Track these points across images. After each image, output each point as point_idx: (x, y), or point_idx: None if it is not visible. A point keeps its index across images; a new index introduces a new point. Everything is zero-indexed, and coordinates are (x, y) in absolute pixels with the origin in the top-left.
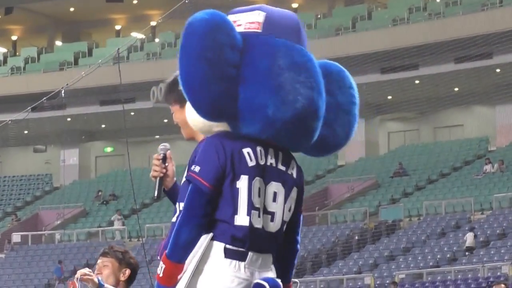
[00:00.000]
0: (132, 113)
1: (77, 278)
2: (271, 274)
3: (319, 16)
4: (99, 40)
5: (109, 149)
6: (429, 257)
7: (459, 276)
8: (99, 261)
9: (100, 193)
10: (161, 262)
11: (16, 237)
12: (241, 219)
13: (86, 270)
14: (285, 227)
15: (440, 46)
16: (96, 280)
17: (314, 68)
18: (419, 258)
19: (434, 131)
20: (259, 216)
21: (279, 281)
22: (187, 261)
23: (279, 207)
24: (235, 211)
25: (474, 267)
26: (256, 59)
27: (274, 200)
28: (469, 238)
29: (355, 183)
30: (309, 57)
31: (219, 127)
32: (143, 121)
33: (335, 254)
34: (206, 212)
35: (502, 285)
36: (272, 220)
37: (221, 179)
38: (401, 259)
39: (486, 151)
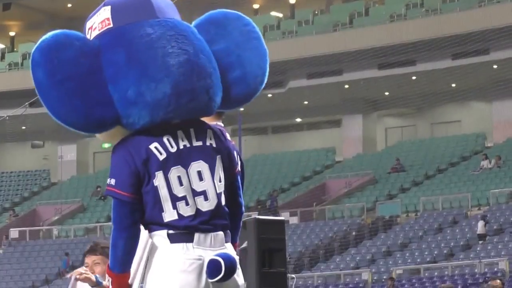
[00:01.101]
0: None
1: (75, 278)
2: (228, 251)
3: (316, 12)
4: None
5: (107, 145)
6: (426, 252)
7: (456, 272)
8: (87, 259)
9: (99, 188)
10: (107, 276)
11: (14, 233)
12: (169, 215)
13: (82, 269)
14: (223, 198)
15: (437, 42)
16: (93, 278)
17: (181, 33)
18: (416, 253)
19: (431, 127)
20: (187, 204)
21: (235, 256)
22: (134, 265)
23: (209, 183)
24: (161, 209)
25: (471, 263)
26: (113, 56)
27: (201, 179)
28: (480, 226)
29: (352, 179)
30: (171, 24)
31: (120, 131)
32: None
33: (333, 249)
34: (135, 220)
35: (498, 281)
36: (206, 199)
37: (138, 183)
38: (398, 255)
39: (483, 146)
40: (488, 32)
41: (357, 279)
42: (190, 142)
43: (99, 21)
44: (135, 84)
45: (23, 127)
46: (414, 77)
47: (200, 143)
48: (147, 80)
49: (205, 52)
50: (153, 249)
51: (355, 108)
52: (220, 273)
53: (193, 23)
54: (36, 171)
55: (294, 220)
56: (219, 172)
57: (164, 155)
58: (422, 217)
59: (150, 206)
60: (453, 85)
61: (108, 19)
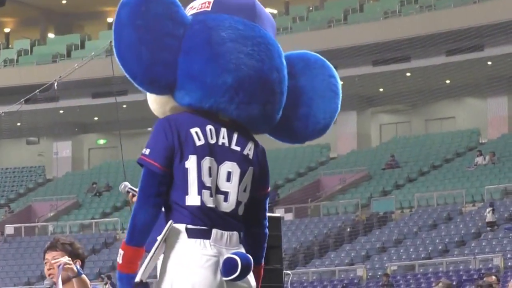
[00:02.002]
0: (125, 106)
1: (59, 266)
2: (241, 250)
3: (311, 8)
4: (91, 33)
5: (102, 141)
6: (420, 249)
7: (451, 268)
8: (47, 255)
9: (94, 185)
10: (120, 250)
11: (9, 229)
12: (192, 199)
13: (67, 259)
14: (242, 208)
15: (432, 39)
16: (75, 268)
17: (268, 45)
18: (411, 250)
19: (426, 123)
20: (211, 196)
21: (250, 256)
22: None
23: (234, 187)
24: (185, 191)
25: (465, 259)
26: (198, 31)
27: (228, 180)
28: (488, 214)
29: (347, 175)
30: (263, 33)
31: (170, 103)
32: (135, 113)
33: (327, 245)
34: (160, 191)
35: (493, 277)
36: (225, 200)
37: (171, 158)
38: (393, 251)
39: (478, 143)
40: (482, 28)
41: (351, 275)
42: (230, 143)
43: (200, 2)
44: (204, 63)
45: (18, 124)
46: (408, 74)
47: (238, 149)
48: (216, 65)
49: (280, 74)
50: (170, 243)
51: (350, 105)
52: (236, 271)
53: (287, 52)
54: (31, 168)
55: (288, 216)
56: (246, 183)
57: (202, 141)
58: (417, 213)
59: (176, 186)
60: (448, 81)
61: (209, 2)
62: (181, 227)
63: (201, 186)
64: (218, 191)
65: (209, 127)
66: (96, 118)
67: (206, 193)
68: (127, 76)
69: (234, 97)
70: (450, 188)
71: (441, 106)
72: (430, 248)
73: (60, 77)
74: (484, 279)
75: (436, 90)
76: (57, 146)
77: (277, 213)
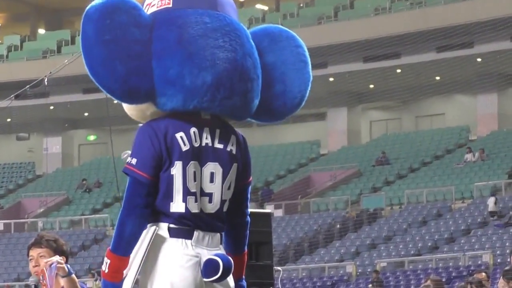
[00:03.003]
0: (115, 101)
1: (50, 265)
2: (222, 251)
3: (301, 5)
4: None
5: (92, 137)
6: (410, 245)
7: (440, 265)
8: (32, 252)
9: (84, 181)
10: (105, 258)
11: None
12: (177, 206)
13: (58, 258)
14: (226, 205)
15: (422, 35)
16: (66, 268)
17: (236, 32)
18: (401, 246)
19: (416, 120)
20: (195, 201)
21: (230, 258)
22: (132, 255)
23: (217, 187)
24: (170, 199)
25: (455, 256)
26: (166, 32)
27: (212, 181)
28: (491, 203)
29: (337, 172)
30: (229, 21)
31: (150, 109)
32: None
33: (317, 242)
34: (148, 202)
35: (483, 274)
36: (210, 201)
37: (159, 166)
38: (382, 248)
39: (467, 140)
40: (472, 25)
41: (341, 271)
42: (213, 142)
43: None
44: (179, 65)
45: (8, 120)
46: (399, 70)
47: (221, 146)
48: (192, 65)
49: (253, 57)
50: (152, 241)
51: (340, 101)
52: (217, 273)
53: (250, 30)
54: (21, 164)
55: (279, 213)
56: (231, 180)
57: (188, 146)
58: (407, 210)
59: (161, 193)
60: (438, 78)
61: None
62: (164, 226)
63: (186, 192)
64: (202, 193)
65: (192, 130)
66: (86, 114)
67: (191, 199)
68: (105, 92)
69: (215, 94)
70: (440, 184)
71: (431, 103)
72: (419, 245)
73: (50, 72)
74: (474, 275)
75: (426, 87)
76: (47, 142)
77: (267, 209)
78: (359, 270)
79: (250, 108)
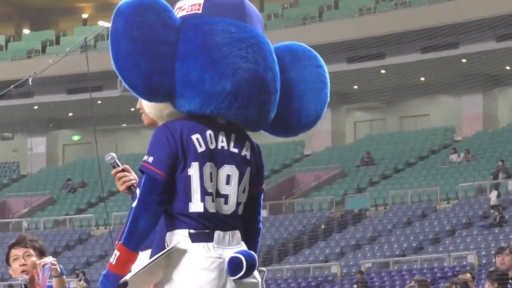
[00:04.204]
0: (100, 102)
1: (44, 265)
2: (244, 248)
3: (286, 5)
4: (66, 29)
5: (76, 137)
6: (395, 246)
7: (425, 265)
8: (17, 252)
9: (69, 181)
10: (115, 250)
11: None
12: (195, 206)
13: (52, 259)
14: (241, 208)
15: (407, 36)
16: (59, 269)
17: (260, 45)
18: (385, 247)
19: (400, 121)
20: (213, 201)
21: (253, 253)
22: (148, 257)
23: (233, 189)
24: (188, 199)
25: (440, 256)
26: (193, 36)
27: (228, 183)
28: (493, 197)
29: (321, 172)
30: (254, 33)
31: (168, 109)
32: (110, 110)
33: (302, 242)
34: (162, 200)
35: (468, 274)
36: (226, 203)
37: (174, 166)
38: (367, 248)
39: (452, 140)
40: (457, 26)
41: (326, 272)
42: (228, 145)
43: (189, 4)
44: (201, 70)
45: None
46: (383, 71)
47: (236, 150)
48: (213, 71)
49: (274, 71)
50: (173, 250)
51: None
52: (242, 270)
53: (275, 45)
54: (5, 163)
55: (263, 213)
56: (245, 184)
57: (204, 148)
58: (391, 210)
59: (179, 194)
60: (422, 79)
61: (199, 4)
62: (184, 232)
63: (204, 192)
64: (218, 194)
65: (208, 132)
66: (70, 114)
67: (208, 199)
68: (127, 87)
69: (233, 102)
70: (425, 185)
71: (415, 104)
72: (404, 245)
73: (34, 72)
74: (459, 276)
75: (411, 88)
76: (31, 142)
77: None
78: (344, 271)
79: (265, 120)
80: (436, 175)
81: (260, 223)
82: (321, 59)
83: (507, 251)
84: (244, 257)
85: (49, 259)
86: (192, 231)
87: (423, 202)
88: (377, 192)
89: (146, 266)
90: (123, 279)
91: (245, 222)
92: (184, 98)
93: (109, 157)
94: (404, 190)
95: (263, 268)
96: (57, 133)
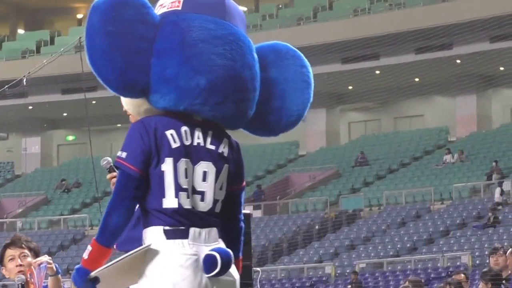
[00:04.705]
0: (94, 102)
1: (39, 264)
2: (220, 245)
3: (280, 6)
4: (61, 29)
5: (71, 138)
6: (389, 246)
7: (419, 266)
8: (13, 252)
9: (63, 181)
10: (88, 246)
11: None
12: (169, 202)
13: (48, 258)
14: (219, 205)
15: (401, 37)
16: (54, 268)
17: (239, 42)
18: (379, 247)
19: (395, 121)
20: (188, 197)
21: (229, 250)
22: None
23: (210, 186)
24: (162, 195)
25: (433, 257)
26: (170, 33)
27: (204, 179)
28: (497, 194)
29: (316, 173)
30: (234, 31)
31: (145, 105)
32: (105, 110)
33: (296, 243)
34: (136, 195)
35: (462, 275)
36: (202, 200)
37: (148, 162)
38: (361, 248)
39: (446, 141)
40: (451, 26)
41: (320, 272)
42: (205, 142)
43: (170, 1)
44: (177, 66)
45: None
46: (377, 72)
47: (213, 147)
48: (189, 67)
49: (252, 69)
50: (141, 252)
51: (319, 102)
52: (216, 267)
53: (258, 44)
54: (0, 163)
55: (257, 213)
56: (222, 181)
57: (178, 144)
58: (385, 211)
59: (153, 190)
60: (417, 79)
61: (179, 1)
62: (159, 229)
63: (178, 188)
64: (194, 191)
65: (183, 128)
66: (65, 114)
67: (183, 195)
68: (101, 82)
69: (208, 99)
70: (419, 186)
71: (410, 104)
72: (398, 246)
73: (29, 73)
74: (453, 277)
75: (405, 88)
76: (26, 142)
77: (246, 210)
78: (338, 271)
79: (243, 118)
80: (430, 176)
81: (242, 222)
82: (305, 59)
83: (501, 252)
84: (219, 254)
85: (45, 258)
86: (167, 227)
87: (417, 202)
88: (371, 192)
89: (114, 262)
90: (90, 274)
91: (226, 221)
92: (159, 94)
93: (105, 162)
94: (398, 191)
95: (258, 269)
96: (52, 133)
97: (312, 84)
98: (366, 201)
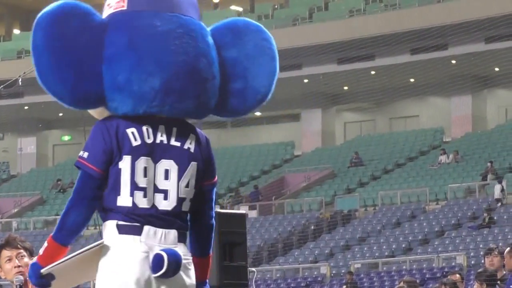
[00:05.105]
0: None
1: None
2: (178, 249)
3: (276, 6)
4: None
5: (66, 138)
6: (384, 246)
7: (414, 266)
8: (9, 253)
9: (59, 181)
10: (46, 242)
11: None
12: (123, 200)
13: None
14: (186, 204)
15: (396, 37)
16: None
17: (190, 33)
18: (375, 247)
19: (390, 122)
20: (144, 196)
21: (182, 254)
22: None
23: (173, 185)
24: (117, 193)
25: (429, 257)
26: (117, 37)
27: (167, 178)
28: (497, 190)
29: (311, 173)
30: (182, 22)
31: (106, 112)
32: None
33: (291, 243)
34: (96, 195)
35: (457, 275)
36: (165, 198)
37: (110, 161)
38: (356, 249)
39: (441, 141)
40: (446, 27)
41: (315, 272)
42: (169, 140)
43: (115, 1)
44: (127, 71)
45: None
46: (373, 72)
47: (178, 144)
48: (139, 70)
49: (208, 57)
50: (94, 248)
51: (314, 103)
52: (162, 268)
53: (213, 25)
54: None
55: (253, 213)
56: (188, 178)
57: (139, 142)
58: (381, 211)
59: (109, 187)
60: (412, 80)
61: (123, 0)
62: (112, 223)
63: (134, 187)
64: (157, 190)
65: (145, 127)
66: (60, 114)
67: (138, 194)
68: (55, 99)
69: (165, 99)
70: (414, 186)
71: (405, 105)
72: (393, 246)
73: (24, 73)
74: (448, 277)
75: (400, 89)
76: (21, 142)
77: (242, 210)
78: (333, 271)
79: (206, 109)
80: (425, 176)
81: (213, 219)
82: (267, 32)
83: (495, 252)
84: (167, 255)
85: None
86: (120, 222)
87: (412, 203)
88: (366, 193)
89: (66, 259)
90: (42, 270)
91: (196, 218)
92: (116, 102)
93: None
94: (393, 191)
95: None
96: (47, 133)
97: (277, 56)
98: (361, 201)
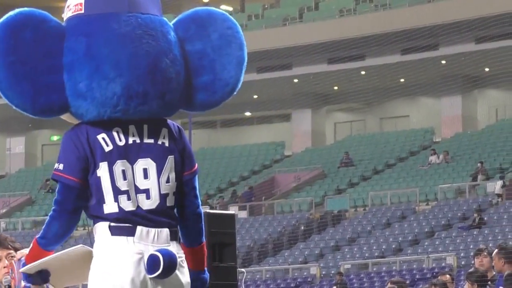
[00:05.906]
0: None
1: (19, 259)
2: (171, 248)
3: (266, 6)
4: None
5: (56, 138)
6: (374, 247)
7: (404, 267)
8: (0, 253)
9: (48, 182)
10: (33, 241)
11: None
12: (109, 207)
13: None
14: (171, 199)
15: (387, 37)
16: None
17: (149, 32)
18: (365, 248)
19: (380, 122)
20: (129, 199)
21: (176, 253)
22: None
23: (153, 182)
24: (102, 201)
25: (419, 258)
26: (75, 43)
27: (146, 177)
28: (498, 186)
29: (301, 173)
30: (141, 21)
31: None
32: None
33: (281, 244)
34: (76, 206)
35: (448, 276)
36: (148, 197)
37: (86, 169)
38: (346, 250)
39: (431, 142)
40: (437, 27)
41: (305, 273)
42: (141, 138)
43: (74, 3)
44: (88, 78)
45: None
46: (363, 72)
47: (151, 141)
48: (100, 76)
49: (170, 55)
50: (95, 240)
51: (305, 103)
52: (158, 269)
53: (177, 18)
54: None
55: (243, 214)
56: (168, 173)
57: (111, 147)
58: (371, 212)
59: (93, 197)
60: (402, 80)
61: (81, 4)
62: (104, 225)
63: (117, 192)
64: (138, 190)
65: (115, 129)
66: None
67: (122, 198)
68: (18, 110)
69: (128, 103)
70: (404, 186)
71: (395, 105)
72: (383, 247)
73: None
74: (438, 278)
75: (390, 89)
76: (10, 142)
77: (231, 211)
78: (323, 272)
79: (171, 107)
80: (415, 177)
81: (200, 207)
82: (232, 19)
83: (485, 253)
84: (163, 256)
85: (26, 251)
86: (112, 224)
87: (402, 203)
88: (356, 193)
89: (42, 261)
90: (22, 269)
91: (183, 209)
92: (80, 109)
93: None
94: (384, 192)
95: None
96: (36, 133)
97: (244, 43)
98: (351, 202)
